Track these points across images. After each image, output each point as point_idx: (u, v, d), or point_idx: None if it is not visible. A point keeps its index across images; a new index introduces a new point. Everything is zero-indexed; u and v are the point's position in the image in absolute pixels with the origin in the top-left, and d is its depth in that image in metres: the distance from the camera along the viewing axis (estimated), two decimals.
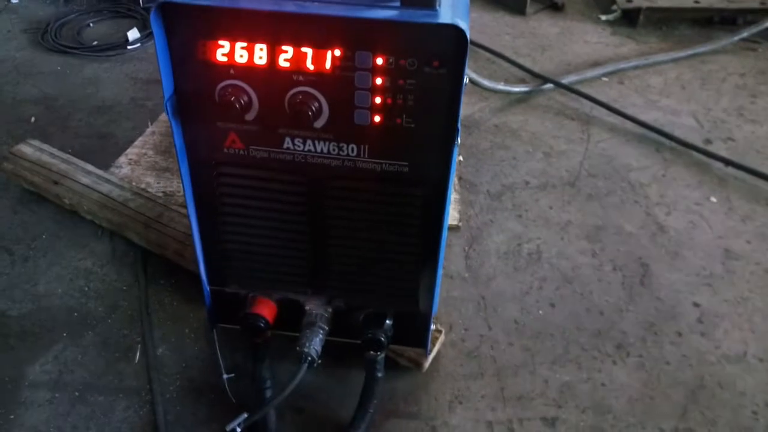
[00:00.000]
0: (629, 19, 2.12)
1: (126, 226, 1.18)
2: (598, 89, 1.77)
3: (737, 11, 2.08)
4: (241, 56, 0.68)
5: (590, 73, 1.82)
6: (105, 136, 1.52)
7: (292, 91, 0.70)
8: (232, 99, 0.70)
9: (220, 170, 0.78)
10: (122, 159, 1.38)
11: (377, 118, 0.71)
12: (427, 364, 0.99)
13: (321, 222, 0.81)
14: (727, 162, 1.49)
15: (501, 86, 1.69)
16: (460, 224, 1.32)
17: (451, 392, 0.99)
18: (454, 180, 1.40)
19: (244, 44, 0.67)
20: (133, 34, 1.85)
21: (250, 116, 0.72)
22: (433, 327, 0.94)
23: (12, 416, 0.93)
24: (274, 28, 0.66)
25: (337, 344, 0.90)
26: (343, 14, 0.64)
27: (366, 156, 0.74)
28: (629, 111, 1.66)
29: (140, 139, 1.45)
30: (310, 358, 0.83)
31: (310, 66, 0.68)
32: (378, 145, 0.73)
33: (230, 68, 0.69)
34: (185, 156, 0.77)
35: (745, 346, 1.08)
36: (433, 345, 1.00)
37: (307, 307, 0.89)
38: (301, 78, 0.69)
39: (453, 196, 1.36)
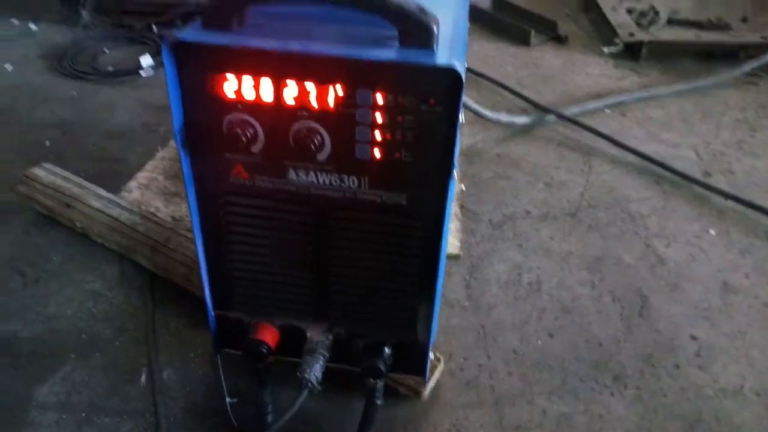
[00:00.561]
0: (632, 52, 2.16)
1: (134, 250, 1.21)
2: (600, 121, 1.80)
3: (739, 46, 2.12)
4: (248, 92, 0.71)
5: (592, 105, 1.86)
6: (117, 160, 1.56)
7: (296, 126, 0.73)
8: (239, 132, 0.73)
9: (226, 199, 0.80)
10: (132, 183, 1.41)
11: (377, 153, 0.74)
12: (426, 392, 1.01)
13: (323, 251, 0.83)
14: (727, 195, 1.51)
15: (503, 117, 1.73)
16: (461, 253, 1.34)
17: (449, 421, 1.00)
18: (455, 209, 1.43)
19: (251, 81, 0.70)
20: (145, 60, 1.90)
21: (255, 148, 0.75)
22: (432, 356, 0.96)
23: None
24: (279, 66, 0.69)
25: (338, 371, 0.92)
26: (344, 54, 0.67)
27: (366, 188, 0.77)
28: (630, 143, 1.69)
29: (150, 163, 1.49)
30: (310, 385, 0.85)
31: (313, 102, 0.71)
32: (378, 178, 0.76)
33: (238, 103, 0.72)
34: (192, 184, 0.80)
35: (742, 380, 1.09)
36: (432, 374, 1.01)
37: (308, 334, 0.91)
38: (305, 113, 0.72)
39: (454, 225, 1.39)
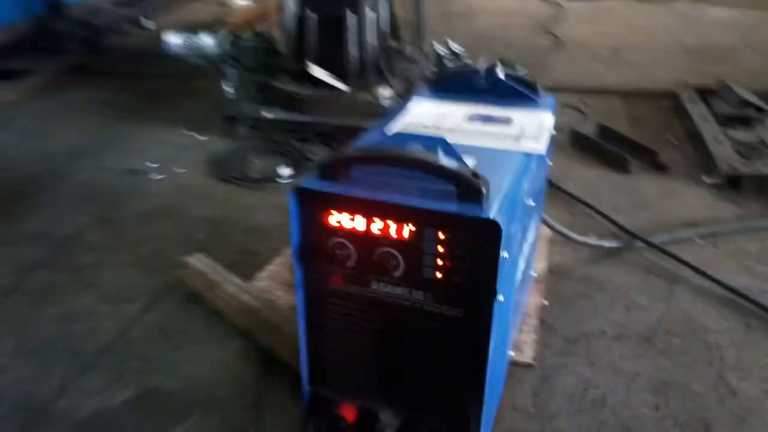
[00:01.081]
0: (733, 183, 2.22)
1: (256, 330, 1.49)
2: (691, 250, 1.88)
3: None
4: (346, 224, 0.97)
5: (684, 234, 1.95)
6: (252, 253, 1.88)
7: (379, 250, 0.97)
8: (338, 252, 0.98)
9: (325, 300, 1.05)
10: (262, 274, 1.72)
11: (438, 275, 0.95)
12: None
13: (395, 347, 1.05)
14: None
15: (591, 240, 1.87)
16: (534, 363, 1.48)
17: None
18: (534, 322, 1.58)
19: (350, 216, 0.96)
20: (283, 170, 2.28)
21: (349, 264, 1.00)
22: None
23: None
24: (369, 209, 0.94)
25: None
26: (416, 204, 0.91)
27: (430, 301, 0.98)
28: (720, 275, 1.75)
29: (278, 259, 1.79)
30: None
31: (393, 234, 0.95)
32: (439, 294, 0.97)
33: (338, 231, 0.98)
34: (301, 286, 1.05)
35: None
36: None
37: (380, 416, 1.11)
38: (386, 242, 0.96)
39: (531, 337, 1.54)
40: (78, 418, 1.33)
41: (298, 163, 2.39)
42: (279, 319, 1.49)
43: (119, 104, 3.08)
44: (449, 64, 2.52)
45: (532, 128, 1.22)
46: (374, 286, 1.01)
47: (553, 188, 2.22)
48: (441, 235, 0.92)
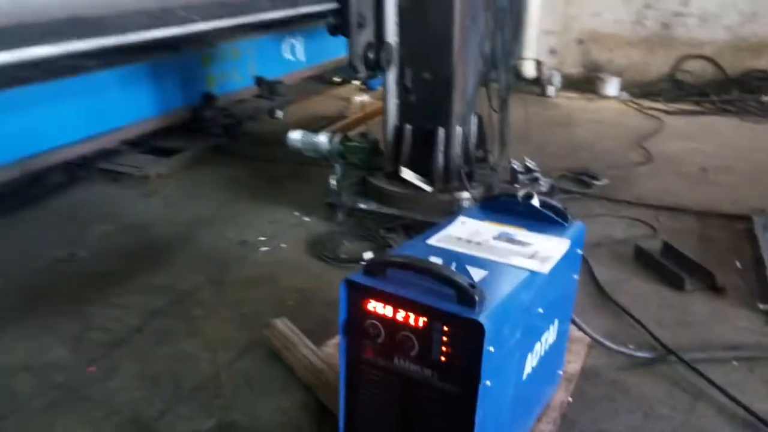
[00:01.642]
0: None
1: (317, 388, 1.82)
2: (724, 371, 2.01)
3: None
4: (379, 310, 1.30)
5: (722, 354, 2.08)
6: (328, 323, 2.24)
7: (401, 333, 1.29)
8: (371, 330, 1.32)
9: (359, 367, 1.38)
10: (331, 341, 2.07)
11: (443, 358, 1.26)
12: None
13: (410, 414, 1.34)
14: None
15: (624, 349, 2.06)
16: None
17: None
18: (555, 414, 1.80)
19: (381, 305, 1.30)
20: (367, 254, 2.67)
21: (379, 341, 1.33)
22: None
23: None
24: (396, 302, 1.28)
25: None
26: (427, 302, 1.23)
27: (437, 378, 1.28)
28: (745, 398, 1.87)
29: None
30: None
31: (411, 323, 1.27)
32: (443, 374, 1.27)
33: (373, 314, 1.31)
34: (344, 354, 1.39)
35: None
36: None
37: None
38: (407, 327, 1.28)
39: (549, 427, 1.76)
40: None
41: (380, 249, 2.77)
42: (336, 380, 1.81)
43: (245, 183, 3.64)
44: (521, 178, 2.84)
45: (545, 252, 1.51)
46: (396, 361, 1.33)
47: (604, 297, 2.43)
48: (445, 328, 1.23)
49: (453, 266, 1.32)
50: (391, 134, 3.03)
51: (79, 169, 3.58)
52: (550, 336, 1.64)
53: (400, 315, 1.28)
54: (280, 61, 5.22)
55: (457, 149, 2.94)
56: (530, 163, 2.90)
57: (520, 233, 1.62)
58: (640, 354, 2.07)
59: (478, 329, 1.18)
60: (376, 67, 2.78)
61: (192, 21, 1.96)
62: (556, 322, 1.67)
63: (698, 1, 5.50)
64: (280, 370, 1.97)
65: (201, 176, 3.74)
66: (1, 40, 1.41)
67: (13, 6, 1.42)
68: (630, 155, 4.15)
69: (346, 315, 1.36)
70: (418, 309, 1.26)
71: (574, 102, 5.54)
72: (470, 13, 2.81)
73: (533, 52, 5.93)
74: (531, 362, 1.51)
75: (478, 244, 1.53)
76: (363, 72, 2.78)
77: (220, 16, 2.09)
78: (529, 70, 5.91)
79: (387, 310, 1.30)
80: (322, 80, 5.78)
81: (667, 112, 5.17)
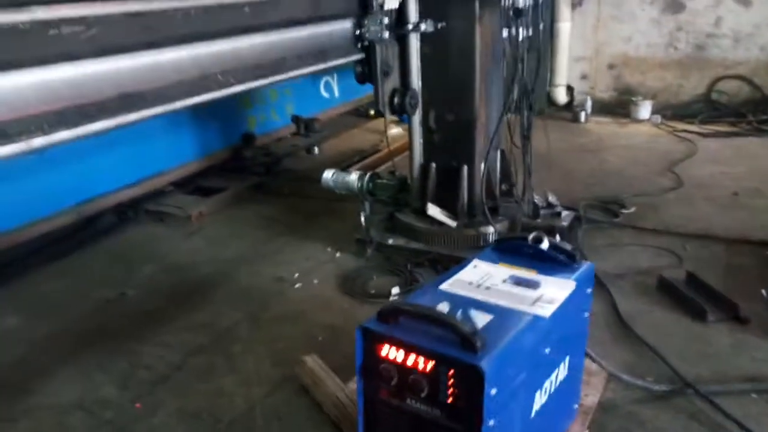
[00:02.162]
0: None
1: (343, 422, 1.94)
2: (742, 403, 2.04)
3: None
4: (391, 354, 1.42)
5: (740, 387, 2.11)
6: (354, 359, 2.36)
7: (412, 375, 1.40)
8: (385, 373, 1.44)
9: (376, 406, 1.50)
10: (355, 377, 2.18)
11: (449, 399, 1.36)
12: None
13: None
14: None
15: (641, 381, 2.11)
16: None
17: None
18: None
19: (394, 349, 1.42)
20: (394, 289, 2.79)
21: (393, 383, 1.45)
22: None
23: None
24: (406, 347, 1.40)
25: None
26: (434, 348, 1.35)
27: (444, 418, 1.39)
28: (762, 431, 1.91)
29: None
30: None
31: (421, 366, 1.39)
32: (450, 414, 1.38)
33: (386, 359, 1.43)
34: (361, 394, 1.51)
35: None
36: None
37: None
38: (417, 371, 1.40)
39: None
40: None
41: (408, 283, 2.89)
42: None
43: (282, 220, 3.82)
44: (543, 213, 2.92)
45: (551, 294, 1.61)
46: (408, 401, 1.44)
47: (625, 329, 2.48)
48: (450, 372, 1.35)
49: (459, 312, 1.44)
50: (417, 172, 3.16)
51: (129, 211, 3.83)
52: (561, 372, 1.72)
53: (411, 360, 1.40)
54: (316, 99, 5.45)
55: (480, 185, 3.05)
56: (552, 198, 2.98)
57: (530, 275, 1.72)
58: (657, 387, 2.12)
59: (479, 374, 1.29)
60: (401, 112, 2.92)
61: (229, 85, 2.14)
62: (568, 358, 1.75)
63: (730, 22, 5.49)
64: (310, 406, 2.10)
65: (241, 214, 3.94)
66: (62, 121, 1.61)
67: (71, 90, 1.63)
68: (660, 181, 4.17)
69: (362, 359, 1.48)
70: (426, 354, 1.37)
71: (606, 127, 5.57)
72: (492, 56, 2.94)
73: (564, 78, 6.00)
74: (540, 399, 1.60)
75: (487, 288, 1.64)
76: (389, 116, 2.93)
77: (255, 78, 2.27)
78: (560, 96, 5.98)
79: (399, 355, 1.41)
80: (357, 114, 5.98)
81: (701, 134, 5.16)
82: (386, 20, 2.70)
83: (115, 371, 2.37)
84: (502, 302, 1.57)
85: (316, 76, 5.37)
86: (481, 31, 2.83)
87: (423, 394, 1.40)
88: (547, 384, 1.64)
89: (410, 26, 2.80)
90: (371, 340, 1.45)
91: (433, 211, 3.03)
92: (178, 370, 2.36)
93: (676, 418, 2.01)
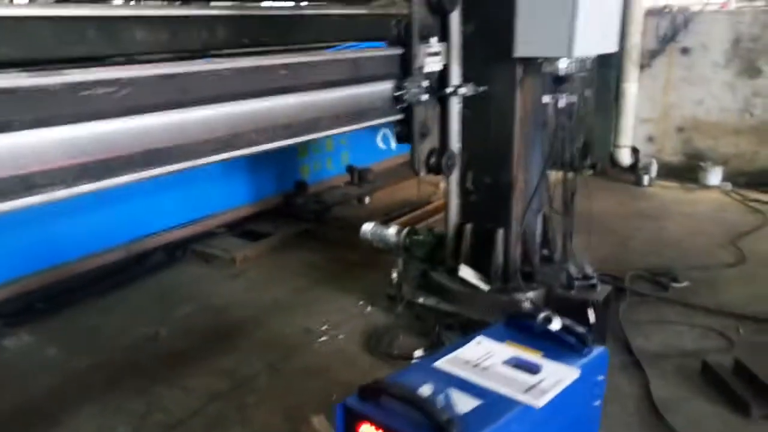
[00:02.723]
0: None
1: None
2: None
3: None
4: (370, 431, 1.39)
5: None
6: None
7: None
8: None
9: None
10: None
11: None
12: None
13: None
14: None
15: None
16: None
17: None
18: None
19: (374, 428, 1.38)
20: (418, 352, 2.74)
21: None
22: None
23: None
24: (384, 428, 1.36)
25: None
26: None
27: None
28: None
29: None
30: None
31: None
32: None
33: None
34: None
35: None
36: None
37: None
38: None
39: None
40: None
41: (434, 347, 2.82)
42: None
43: (323, 268, 3.86)
44: (578, 284, 2.81)
45: (549, 382, 1.53)
46: None
47: (658, 417, 2.32)
48: None
49: (443, 396, 1.39)
50: (453, 232, 3.12)
51: (177, 251, 3.98)
52: None
53: None
54: (372, 150, 5.53)
55: (516, 250, 2.98)
56: (588, 269, 2.87)
57: (534, 358, 1.65)
58: None
59: None
60: (437, 172, 2.92)
61: (259, 143, 2.21)
62: None
63: None
64: None
65: (284, 260, 4.01)
66: (85, 174, 1.71)
67: (98, 145, 1.72)
68: (721, 254, 3.94)
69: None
70: None
71: (670, 192, 5.35)
72: (532, 120, 2.91)
73: (629, 139, 5.83)
74: None
75: (484, 369, 1.58)
76: (425, 174, 2.93)
77: (287, 137, 2.32)
78: (624, 158, 5.80)
79: None
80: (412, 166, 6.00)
81: None
82: (426, 83, 2.72)
83: (133, 412, 2.43)
84: (495, 386, 1.50)
85: (374, 128, 5.46)
86: (522, 96, 2.81)
87: None
88: None
89: (450, 89, 2.82)
90: (352, 417, 1.42)
91: (466, 272, 2.97)
92: (193, 416, 2.39)
93: None
